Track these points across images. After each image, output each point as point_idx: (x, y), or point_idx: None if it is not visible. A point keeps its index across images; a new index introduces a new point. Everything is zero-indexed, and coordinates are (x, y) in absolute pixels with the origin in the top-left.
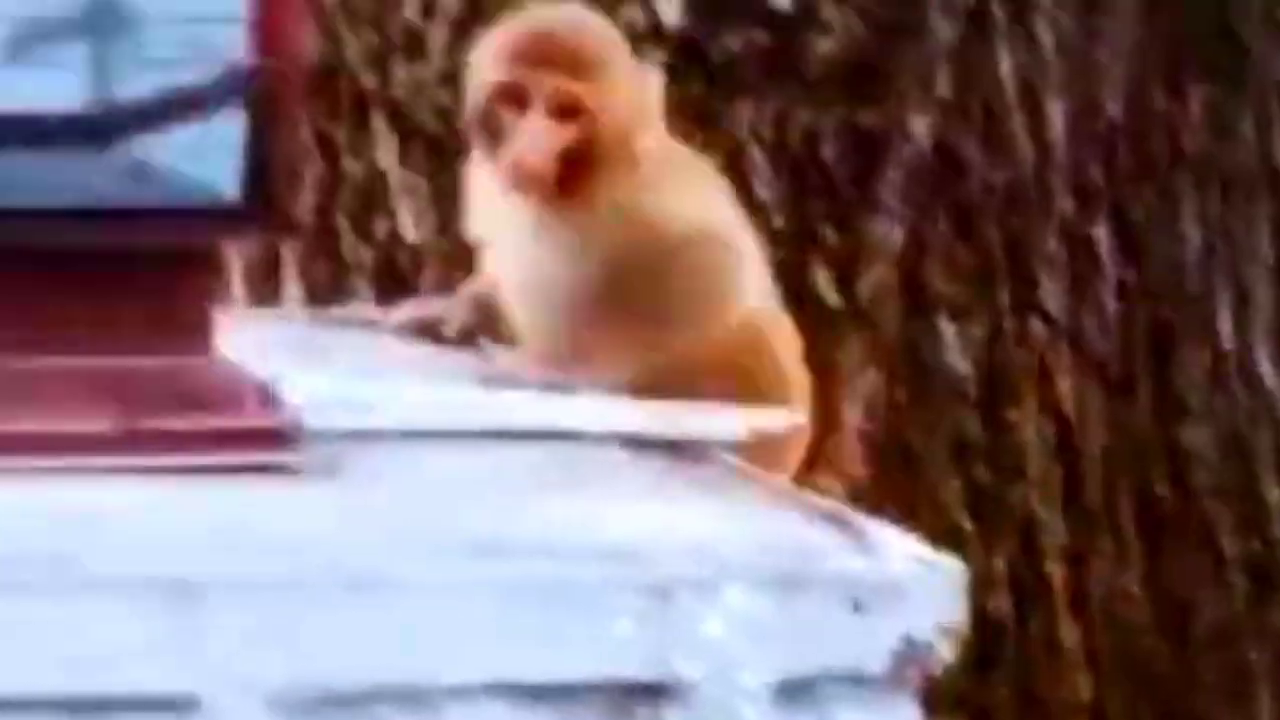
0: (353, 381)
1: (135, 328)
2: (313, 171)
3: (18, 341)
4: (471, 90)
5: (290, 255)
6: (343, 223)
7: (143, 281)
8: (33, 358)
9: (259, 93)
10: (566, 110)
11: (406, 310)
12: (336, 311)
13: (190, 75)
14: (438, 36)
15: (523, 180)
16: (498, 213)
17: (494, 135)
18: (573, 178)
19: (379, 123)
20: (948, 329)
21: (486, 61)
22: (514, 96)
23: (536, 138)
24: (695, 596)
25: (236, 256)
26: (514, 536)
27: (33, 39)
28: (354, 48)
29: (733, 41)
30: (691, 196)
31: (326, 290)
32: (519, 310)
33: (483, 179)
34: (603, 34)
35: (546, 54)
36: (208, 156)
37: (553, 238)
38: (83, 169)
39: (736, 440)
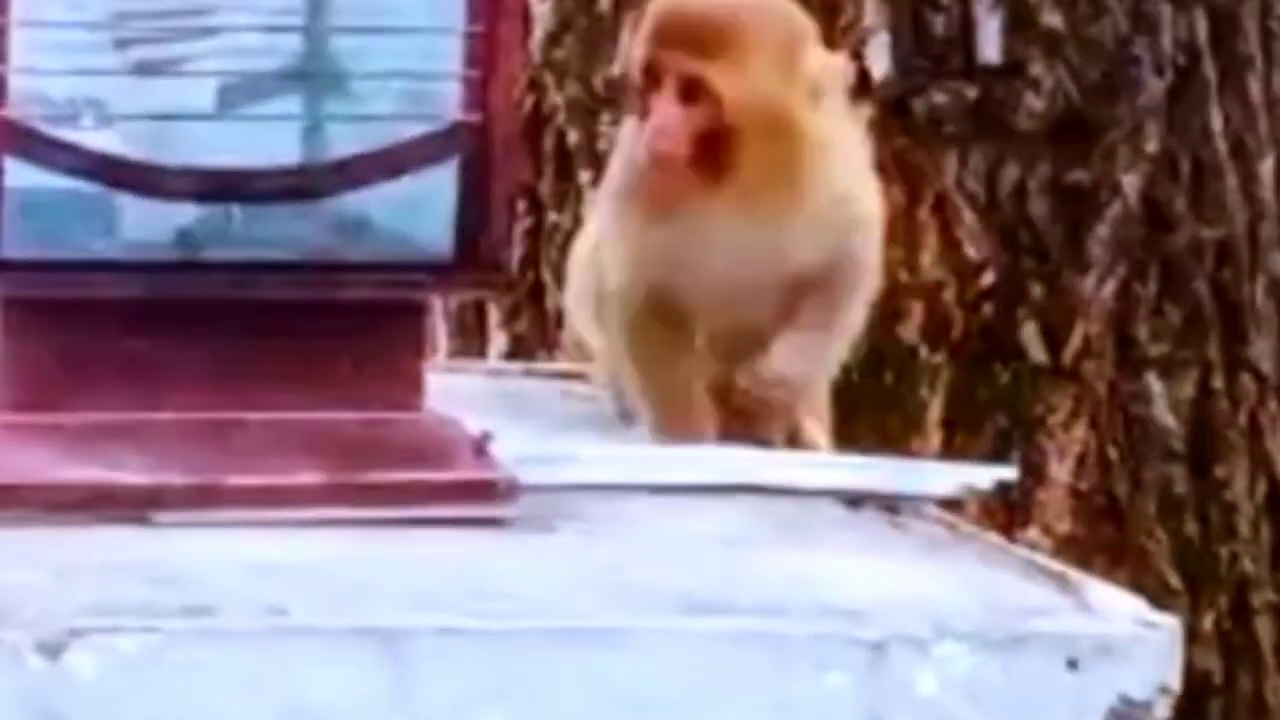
0: (560, 435)
1: (346, 381)
2: (519, 224)
3: (231, 394)
4: (626, 64)
5: (497, 308)
6: (548, 275)
7: (354, 335)
8: (245, 410)
9: (472, 148)
10: (691, 92)
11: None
12: (540, 366)
13: (404, 131)
14: None
15: (656, 162)
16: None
17: (642, 114)
18: (710, 160)
19: (584, 175)
20: (1157, 385)
21: (636, 37)
22: (651, 75)
23: (665, 119)
24: (910, 653)
25: (445, 309)
26: (731, 592)
27: (247, 93)
28: (559, 100)
29: (940, 95)
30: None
31: (532, 343)
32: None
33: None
34: (755, 13)
35: (677, 32)
36: (420, 211)
37: (690, 223)
38: (296, 223)
39: (951, 496)
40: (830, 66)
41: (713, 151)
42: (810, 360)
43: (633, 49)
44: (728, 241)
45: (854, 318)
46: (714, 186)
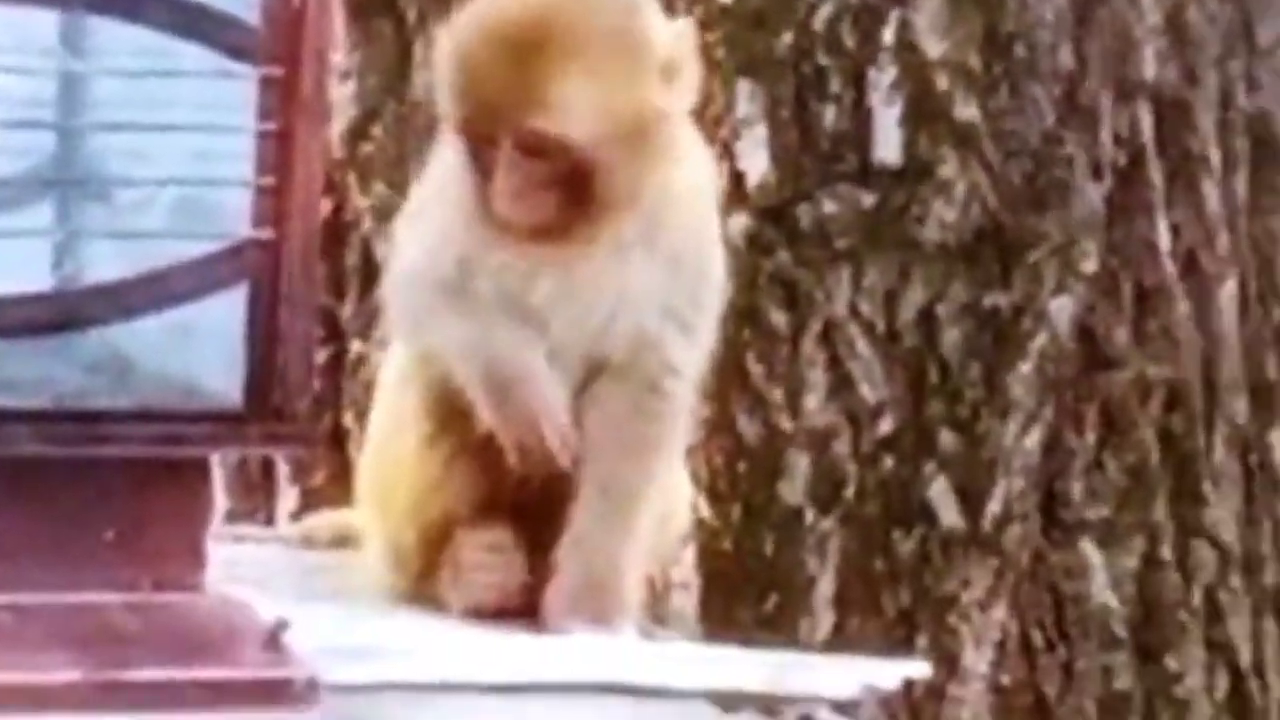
0: (371, 619)
1: (109, 555)
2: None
3: None
4: (438, 103)
5: (287, 460)
6: (350, 418)
7: (119, 499)
8: None
9: (263, 271)
10: (533, 147)
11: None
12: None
13: (179, 250)
14: None
15: (511, 227)
16: (480, 250)
17: (476, 170)
18: (569, 207)
19: None
20: (1094, 556)
21: (444, 79)
22: (476, 134)
23: (513, 184)
24: None
25: (223, 461)
26: None
27: None
28: (364, 205)
29: (830, 202)
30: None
31: (331, 500)
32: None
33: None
34: (573, 13)
35: (497, 80)
36: (200, 349)
37: (558, 287)
38: (47, 362)
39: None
40: (680, 34)
41: (572, 195)
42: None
43: (442, 98)
44: (564, 295)
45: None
46: (569, 233)
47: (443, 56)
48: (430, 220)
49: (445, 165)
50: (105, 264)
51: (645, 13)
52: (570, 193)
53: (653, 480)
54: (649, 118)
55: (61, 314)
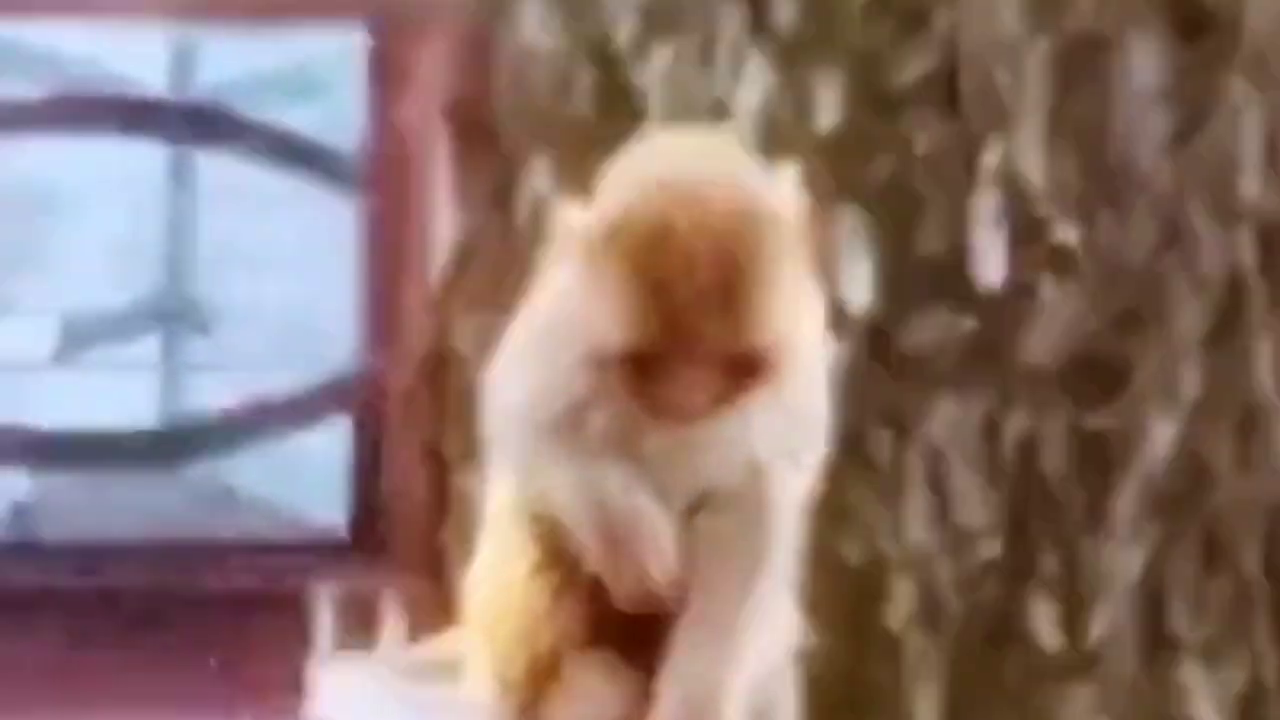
0: None
1: (216, 684)
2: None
3: (74, 702)
4: (570, 324)
5: (393, 593)
6: (452, 545)
7: (222, 630)
8: (99, 715)
9: (369, 400)
10: (733, 367)
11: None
12: (450, 658)
13: (283, 379)
14: None
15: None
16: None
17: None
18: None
19: None
20: (1195, 676)
21: (611, 291)
22: (663, 344)
23: (701, 398)
24: None
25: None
26: None
27: (95, 337)
28: (465, 334)
29: (930, 327)
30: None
31: (438, 627)
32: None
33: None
34: (768, 219)
35: (701, 293)
36: (305, 480)
37: (675, 438)
38: (152, 494)
39: None
40: (793, 182)
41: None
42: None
43: (601, 316)
44: (680, 445)
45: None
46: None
47: (606, 264)
48: (539, 359)
49: (553, 299)
50: (211, 396)
51: (763, 178)
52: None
53: (756, 612)
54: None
55: (169, 447)
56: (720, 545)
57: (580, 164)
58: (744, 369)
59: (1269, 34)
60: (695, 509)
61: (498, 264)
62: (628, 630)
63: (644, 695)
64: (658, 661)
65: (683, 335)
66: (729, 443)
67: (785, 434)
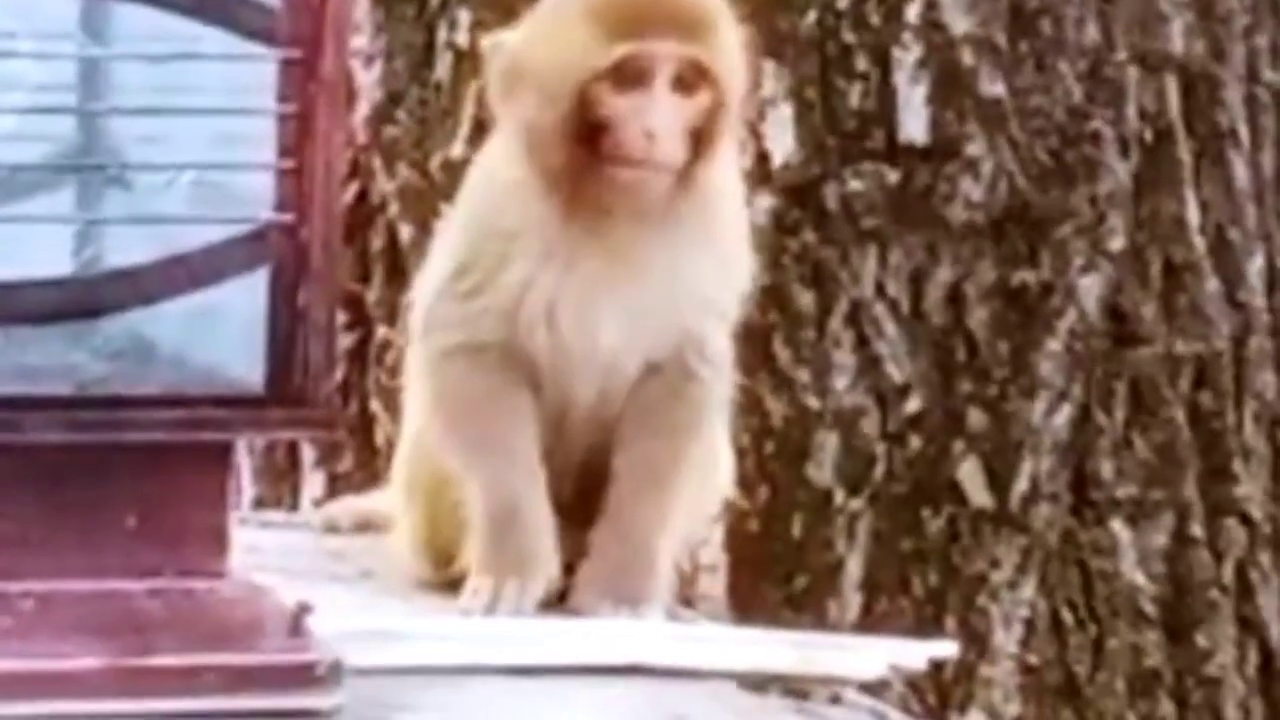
0: (398, 602)
1: (132, 542)
2: (341, 343)
3: None
4: (551, 71)
5: (313, 445)
6: (376, 404)
7: (141, 486)
8: (8, 580)
9: (285, 255)
10: (692, 82)
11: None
12: (371, 512)
13: (200, 235)
14: None
15: (656, 170)
16: (557, 225)
17: (593, 125)
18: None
19: None
20: (1123, 534)
21: (578, 35)
22: (629, 73)
23: (664, 116)
24: None
25: (249, 447)
26: None
27: (6, 189)
28: (389, 188)
29: (856, 181)
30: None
31: (357, 485)
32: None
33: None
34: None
35: (667, 15)
36: (221, 333)
37: (665, 236)
38: (67, 349)
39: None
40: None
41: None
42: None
43: (577, 50)
44: (640, 287)
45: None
46: (662, 210)
47: (570, 23)
48: (463, 232)
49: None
50: (126, 249)
51: None
52: (694, 148)
53: (688, 466)
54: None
55: (82, 300)
56: (651, 403)
57: (502, 17)
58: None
59: None
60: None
61: (419, 117)
62: (553, 490)
63: (576, 546)
64: (587, 518)
65: (649, 48)
66: (668, 308)
67: (718, 285)
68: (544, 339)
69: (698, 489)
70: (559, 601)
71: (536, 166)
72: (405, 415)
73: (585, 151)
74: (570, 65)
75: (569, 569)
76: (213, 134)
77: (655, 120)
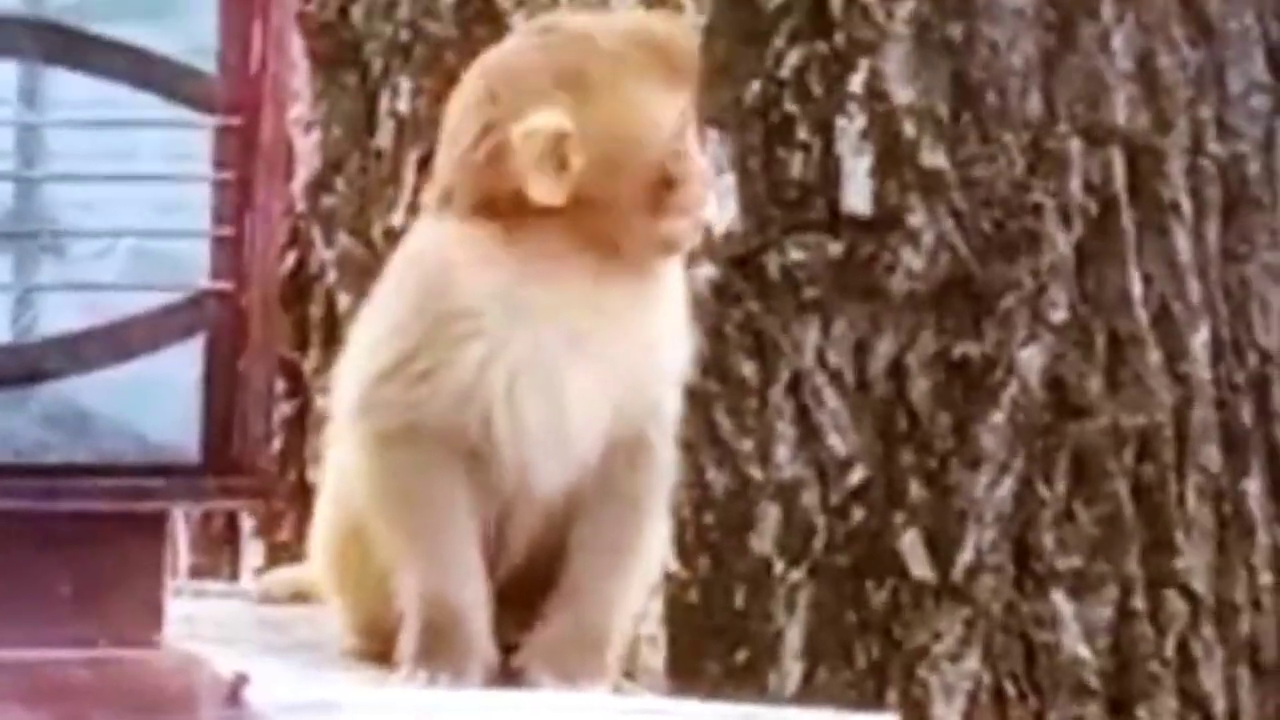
0: (337, 673)
1: (66, 611)
2: (278, 413)
3: None
4: (628, 137)
5: (252, 515)
6: (314, 474)
7: (75, 554)
8: None
9: (222, 323)
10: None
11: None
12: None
13: (136, 303)
14: None
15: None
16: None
17: (660, 192)
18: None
19: None
20: (1065, 608)
21: (641, 95)
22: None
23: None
24: None
25: (187, 517)
26: None
27: None
28: (328, 257)
29: (797, 251)
30: None
31: (296, 555)
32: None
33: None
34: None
35: (693, 60)
36: (157, 402)
37: (638, 297)
38: (4, 416)
39: None
40: None
41: None
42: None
43: (656, 101)
44: (610, 354)
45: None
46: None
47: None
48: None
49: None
50: (62, 317)
51: None
52: None
53: (646, 538)
54: None
55: (17, 367)
56: (610, 472)
57: (444, 85)
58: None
59: None
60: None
61: (359, 186)
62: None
63: (521, 623)
64: (524, 597)
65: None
66: (636, 375)
67: (672, 353)
68: (504, 418)
69: (650, 561)
70: (503, 670)
71: (563, 235)
72: (321, 493)
73: (646, 210)
74: (650, 126)
75: (511, 649)
76: (150, 201)
77: (703, 163)
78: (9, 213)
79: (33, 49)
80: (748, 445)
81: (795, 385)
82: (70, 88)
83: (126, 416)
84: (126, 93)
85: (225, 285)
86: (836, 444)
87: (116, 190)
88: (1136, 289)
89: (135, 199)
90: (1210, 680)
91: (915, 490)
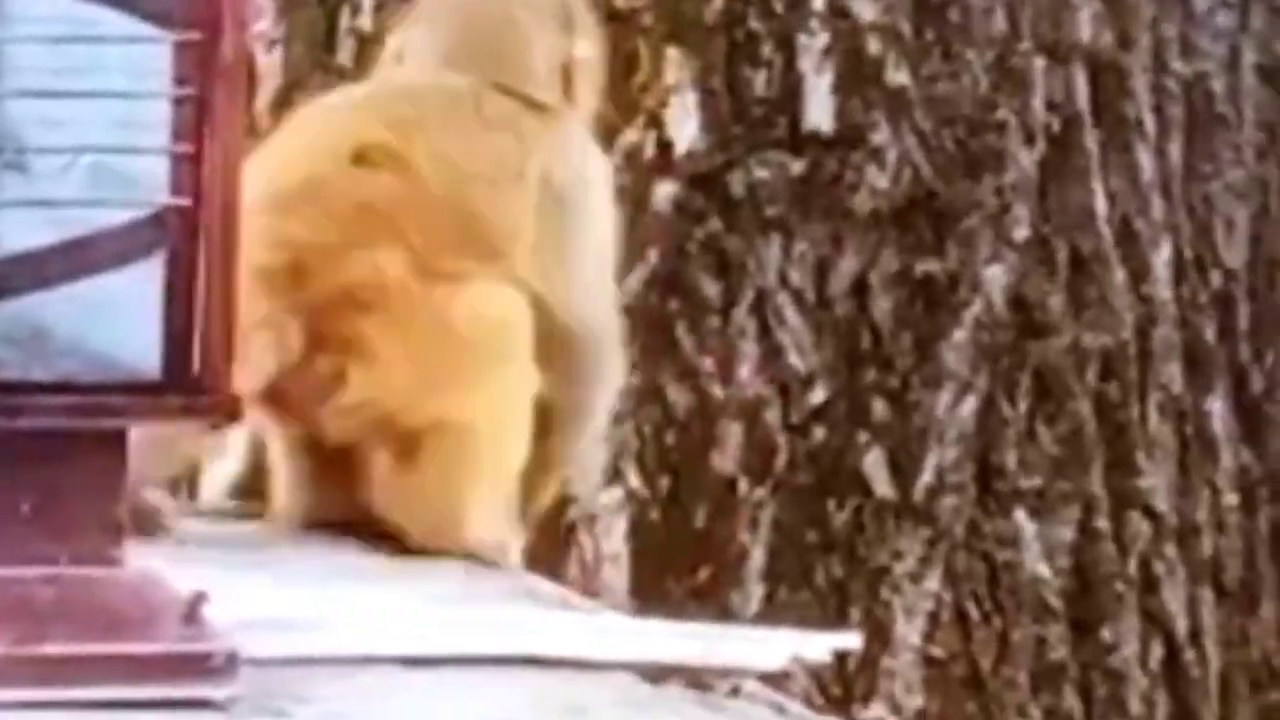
0: (298, 590)
1: (25, 530)
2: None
3: None
4: None
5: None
6: None
7: (34, 473)
8: None
9: (182, 239)
10: None
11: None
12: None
13: (95, 218)
14: None
15: None
16: None
17: None
18: None
19: None
20: (1028, 527)
21: None
22: None
23: None
24: None
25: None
26: None
27: None
28: None
29: (760, 169)
30: None
31: (260, 473)
32: None
33: None
34: None
35: None
36: (117, 318)
37: None
38: None
39: (777, 670)
40: None
41: None
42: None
43: None
44: None
45: None
46: None
47: None
48: None
49: None
50: (22, 233)
51: None
52: None
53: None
54: None
55: None
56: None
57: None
58: None
59: None
60: None
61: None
62: None
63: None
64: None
65: None
66: None
67: None
68: None
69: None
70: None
71: None
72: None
73: None
74: None
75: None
76: (111, 118)
77: None
78: None
79: None
80: (709, 364)
81: (758, 304)
82: (32, 3)
83: (86, 333)
84: (89, 9)
85: (185, 201)
86: (798, 362)
87: (78, 107)
88: (1100, 207)
89: (96, 115)
90: (1174, 600)
91: (878, 409)
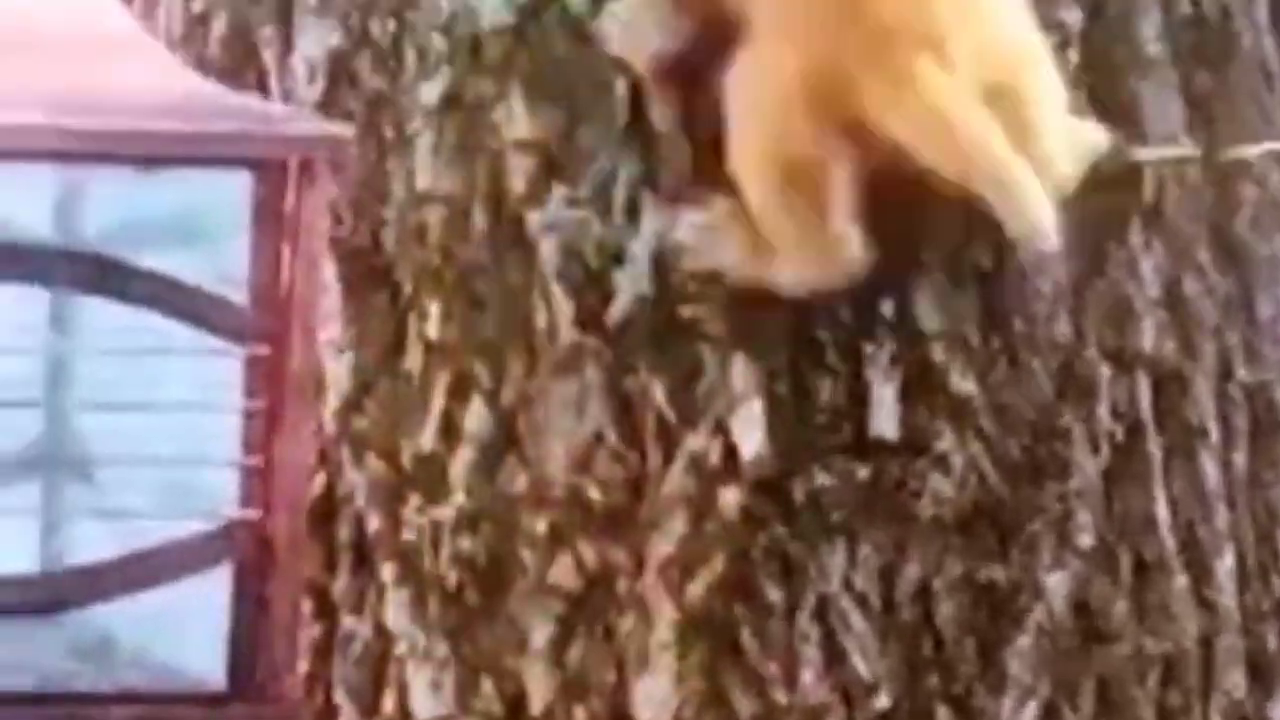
0: None
1: None
2: (305, 636)
3: None
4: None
5: None
6: (341, 696)
7: None
8: None
9: (250, 551)
10: None
11: None
12: None
13: (164, 530)
14: (459, 468)
15: None
16: None
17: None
18: None
19: (387, 573)
20: None
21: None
22: None
23: None
24: None
25: None
26: None
27: None
28: (358, 480)
29: (825, 476)
30: None
31: None
32: None
33: None
34: None
35: None
36: (184, 630)
37: None
38: (30, 644)
39: None
40: None
41: None
42: None
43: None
44: None
45: None
46: None
47: None
48: None
49: None
50: (91, 545)
51: None
52: None
53: None
54: None
55: (46, 595)
56: None
57: (472, 309)
58: None
59: (1167, 188)
60: None
61: (389, 410)
62: None
63: None
64: None
65: None
66: None
67: None
68: None
69: None
70: None
71: None
72: None
73: None
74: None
75: None
76: (180, 430)
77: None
78: (38, 440)
79: (64, 278)
80: (773, 670)
81: (821, 609)
82: (100, 315)
83: (153, 644)
84: (156, 321)
85: (253, 514)
86: (862, 668)
87: (145, 418)
88: (1163, 514)
89: (164, 427)
90: None
91: (942, 715)
